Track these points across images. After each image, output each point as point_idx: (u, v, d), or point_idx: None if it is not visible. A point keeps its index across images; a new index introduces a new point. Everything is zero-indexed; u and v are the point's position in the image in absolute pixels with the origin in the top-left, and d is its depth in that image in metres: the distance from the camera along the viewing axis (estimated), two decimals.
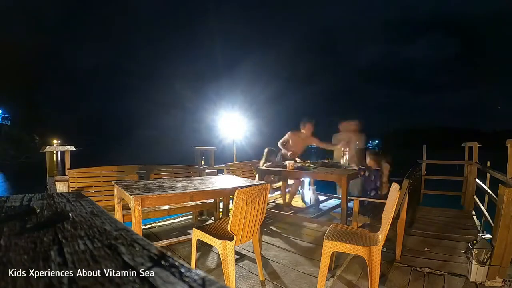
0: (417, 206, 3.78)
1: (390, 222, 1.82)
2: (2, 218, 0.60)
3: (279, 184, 4.37)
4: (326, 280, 2.07)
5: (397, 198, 1.82)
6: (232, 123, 5.07)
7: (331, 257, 2.24)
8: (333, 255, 2.25)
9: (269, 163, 3.98)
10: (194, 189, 2.11)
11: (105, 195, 3.03)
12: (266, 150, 4.17)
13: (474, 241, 2.13)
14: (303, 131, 4.18)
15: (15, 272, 0.33)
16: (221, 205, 3.28)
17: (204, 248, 2.65)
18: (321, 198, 4.74)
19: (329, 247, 1.84)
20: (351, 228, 2.19)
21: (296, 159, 3.96)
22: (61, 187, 2.74)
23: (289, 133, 4.21)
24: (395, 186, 1.97)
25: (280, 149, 4.25)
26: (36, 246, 0.42)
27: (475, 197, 4.12)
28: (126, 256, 0.38)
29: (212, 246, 2.17)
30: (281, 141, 4.23)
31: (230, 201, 3.01)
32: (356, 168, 3.28)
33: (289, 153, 4.06)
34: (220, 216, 3.23)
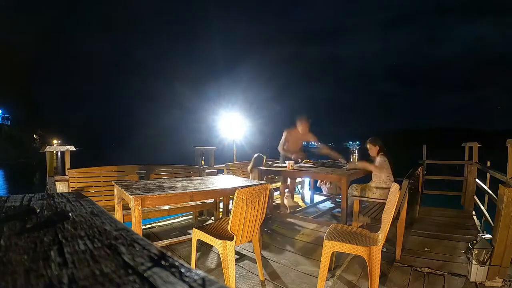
0: (417, 206, 3.78)
1: (390, 222, 1.82)
2: (2, 218, 0.60)
3: (278, 184, 4.37)
4: (326, 280, 2.07)
5: (397, 198, 1.82)
6: (232, 123, 5.07)
7: (331, 257, 2.24)
8: (333, 255, 2.25)
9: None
10: (194, 189, 2.11)
11: (105, 195, 3.03)
12: (255, 155, 4.15)
13: (474, 241, 2.13)
14: (299, 128, 4.20)
15: (15, 272, 0.33)
16: (221, 205, 3.28)
17: (204, 248, 2.64)
18: (321, 198, 4.74)
19: (329, 247, 1.84)
20: (351, 228, 2.19)
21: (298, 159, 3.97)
22: (61, 187, 2.74)
23: (285, 131, 4.23)
24: (395, 186, 1.97)
25: (281, 154, 4.26)
26: (36, 246, 0.42)
27: (475, 197, 4.12)
28: (126, 256, 0.38)
29: (212, 246, 2.18)
30: (281, 143, 4.23)
31: (230, 201, 3.01)
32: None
33: (292, 156, 4.05)
34: (220, 216, 3.23)
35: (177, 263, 0.35)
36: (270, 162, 4.38)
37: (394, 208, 1.81)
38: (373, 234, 2.00)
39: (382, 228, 1.91)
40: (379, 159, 3.15)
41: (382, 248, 2.56)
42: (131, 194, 1.80)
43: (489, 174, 3.43)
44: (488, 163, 3.58)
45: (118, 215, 2.38)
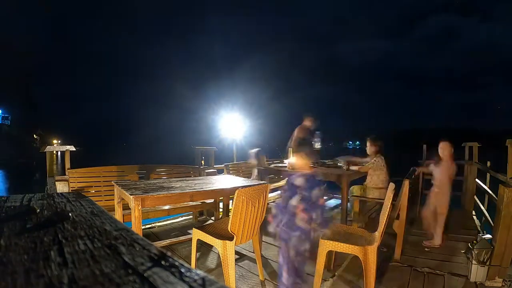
0: (417, 206, 3.78)
1: (386, 222, 1.82)
2: (2, 218, 0.60)
3: (280, 183, 4.37)
4: (326, 280, 2.08)
5: (391, 197, 1.82)
6: (232, 123, 5.07)
7: (331, 257, 2.25)
8: (333, 255, 2.25)
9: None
10: (194, 189, 2.11)
11: (105, 195, 3.03)
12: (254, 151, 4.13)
13: (474, 241, 2.13)
14: (308, 126, 4.30)
15: (15, 272, 0.33)
16: (221, 205, 3.28)
17: (204, 248, 2.64)
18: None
19: (325, 247, 1.84)
20: (349, 228, 2.19)
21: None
22: (61, 187, 2.74)
23: (297, 129, 4.35)
24: (391, 186, 1.98)
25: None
26: (36, 246, 0.42)
27: (475, 197, 4.11)
28: (126, 256, 0.38)
29: (212, 246, 2.18)
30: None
31: (230, 201, 3.01)
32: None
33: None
34: (220, 216, 3.23)
35: (177, 263, 0.35)
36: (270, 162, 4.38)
37: (388, 207, 1.82)
38: (370, 234, 2.00)
39: (378, 228, 1.92)
40: (375, 160, 3.14)
41: (382, 248, 2.57)
42: (131, 194, 1.80)
43: (489, 174, 3.43)
44: (488, 163, 3.58)
45: (118, 215, 2.37)
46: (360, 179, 3.39)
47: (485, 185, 3.50)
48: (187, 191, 2.04)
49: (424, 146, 4.93)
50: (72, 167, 2.98)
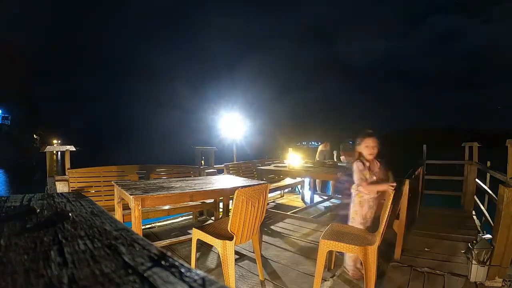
0: (417, 206, 3.78)
1: (386, 222, 1.82)
2: (2, 218, 0.60)
3: (280, 183, 4.38)
4: (326, 280, 2.08)
5: (391, 197, 1.82)
6: (232, 123, 5.07)
7: (331, 257, 2.25)
8: (333, 255, 2.25)
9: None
10: (194, 189, 2.11)
11: (105, 195, 3.03)
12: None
13: (474, 241, 2.13)
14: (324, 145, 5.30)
15: (15, 272, 0.33)
16: (221, 205, 3.28)
17: (204, 248, 2.64)
18: (321, 198, 4.74)
19: (325, 247, 1.84)
20: (349, 228, 2.19)
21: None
22: (61, 187, 2.74)
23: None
24: None
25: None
26: (36, 246, 0.42)
27: (475, 197, 4.12)
28: (126, 256, 0.38)
29: (212, 246, 2.17)
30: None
31: (230, 201, 3.01)
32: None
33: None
34: (220, 216, 3.23)
35: (177, 263, 0.35)
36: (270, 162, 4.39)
37: (388, 207, 1.82)
38: (370, 234, 2.00)
39: (378, 228, 1.92)
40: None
41: (382, 248, 2.56)
42: (131, 194, 1.80)
43: (489, 174, 3.43)
44: (488, 163, 3.58)
45: (118, 215, 2.37)
46: None
47: (485, 185, 3.50)
48: (187, 191, 2.04)
49: (424, 146, 4.93)
50: (72, 167, 2.98)
